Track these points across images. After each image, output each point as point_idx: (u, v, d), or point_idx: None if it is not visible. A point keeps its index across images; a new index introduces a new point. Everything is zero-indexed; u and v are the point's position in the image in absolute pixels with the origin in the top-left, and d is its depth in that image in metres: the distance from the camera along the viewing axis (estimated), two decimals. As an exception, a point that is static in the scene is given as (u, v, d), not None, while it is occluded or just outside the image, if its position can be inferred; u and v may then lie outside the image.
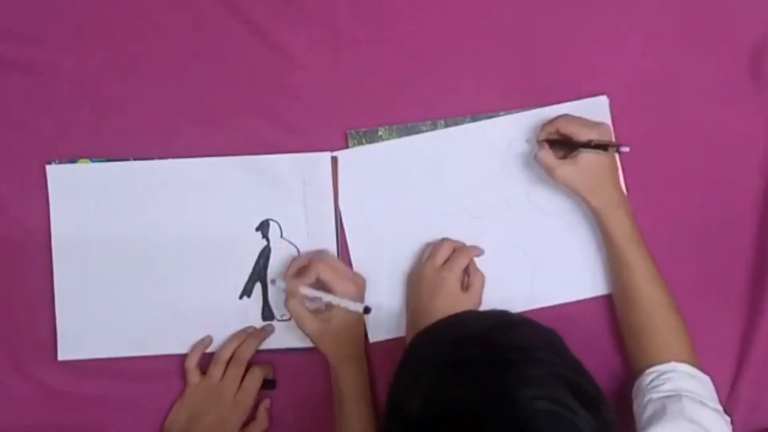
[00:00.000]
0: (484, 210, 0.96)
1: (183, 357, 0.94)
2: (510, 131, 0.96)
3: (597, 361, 0.92)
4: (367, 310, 0.90)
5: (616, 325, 0.96)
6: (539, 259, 0.96)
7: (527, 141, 0.96)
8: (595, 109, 0.95)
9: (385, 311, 0.96)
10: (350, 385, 0.90)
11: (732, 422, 0.94)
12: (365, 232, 0.96)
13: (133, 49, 0.96)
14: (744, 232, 0.97)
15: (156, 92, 0.96)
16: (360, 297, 0.92)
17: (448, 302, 0.89)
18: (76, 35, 0.96)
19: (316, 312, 0.91)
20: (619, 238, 0.88)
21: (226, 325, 0.96)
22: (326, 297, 0.90)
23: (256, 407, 0.94)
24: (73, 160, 0.95)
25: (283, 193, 0.95)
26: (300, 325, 0.90)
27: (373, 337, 0.96)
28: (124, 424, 0.96)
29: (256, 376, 0.93)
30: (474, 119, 0.96)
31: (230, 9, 0.96)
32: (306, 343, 0.94)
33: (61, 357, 0.95)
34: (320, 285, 0.91)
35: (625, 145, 0.88)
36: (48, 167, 0.95)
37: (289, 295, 0.89)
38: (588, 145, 0.88)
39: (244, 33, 0.96)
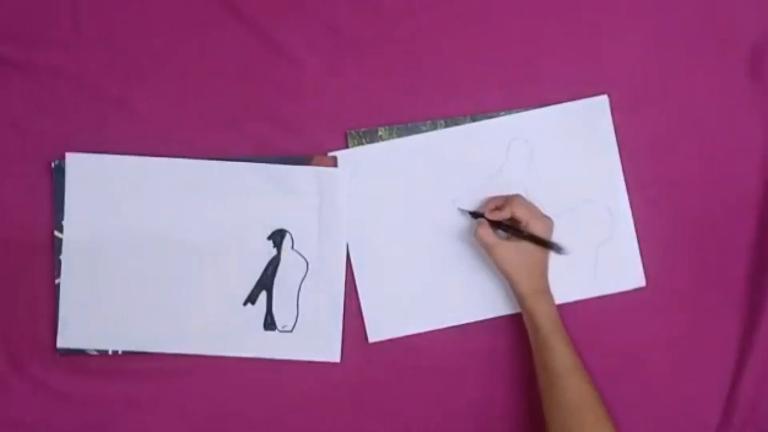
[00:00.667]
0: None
1: (184, 357, 0.95)
2: (510, 131, 0.96)
3: (594, 361, 0.93)
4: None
5: (615, 325, 0.96)
6: None
7: (527, 141, 0.96)
8: (596, 109, 0.96)
9: (385, 311, 0.96)
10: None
11: (732, 423, 0.95)
12: (365, 231, 0.96)
13: (133, 49, 0.96)
14: (744, 231, 0.97)
15: (156, 92, 0.96)
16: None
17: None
18: (76, 35, 0.96)
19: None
20: (544, 323, 0.88)
21: (226, 329, 0.96)
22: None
23: None
24: (73, 160, 0.95)
25: (300, 204, 0.95)
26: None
27: (373, 337, 0.96)
28: (124, 424, 0.96)
29: None
30: (474, 119, 0.96)
31: (230, 9, 0.96)
32: (308, 356, 0.95)
33: (60, 345, 0.95)
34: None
35: (565, 250, 0.89)
36: (68, 155, 0.94)
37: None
38: (532, 238, 0.89)
39: (245, 33, 0.96)
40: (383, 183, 0.96)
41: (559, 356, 0.87)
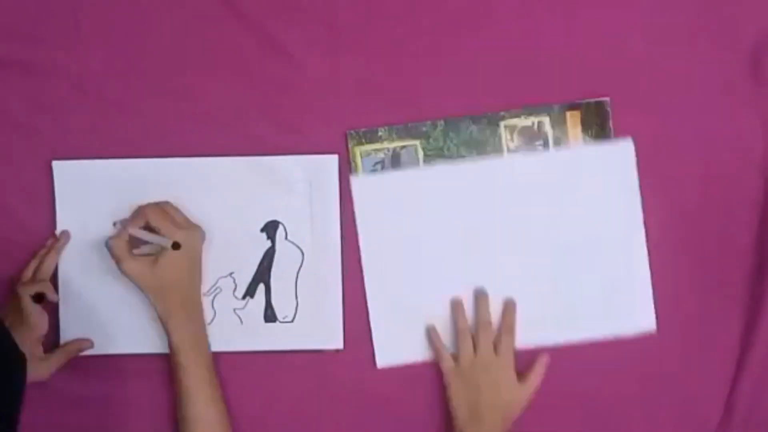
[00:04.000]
0: (502, 241, 0.96)
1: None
2: (518, 168, 0.95)
3: (594, 361, 0.93)
4: (175, 245, 0.87)
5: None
6: (558, 290, 0.96)
7: (546, 183, 0.95)
8: (620, 153, 0.95)
9: (396, 338, 0.96)
10: (183, 336, 0.89)
11: (732, 423, 0.95)
12: (380, 259, 0.95)
13: (133, 49, 0.96)
14: (744, 231, 0.96)
15: (156, 92, 0.96)
16: (190, 245, 0.90)
17: (509, 396, 0.91)
18: (76, 35, 0.96)
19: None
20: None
21: (227, 325, 0.96)
22: (138, 233, 0.89)
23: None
24: (73, 160, 0.95)
25: (290, 194, 0.95)
26: (119, 266, 0.88)
27: (382, 362, 0.96)
28: (124, 424, 0.96)
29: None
30: (473, 120, 0.95)
31: (230, 9, 0.96)
32: (311, 345, 0.95)
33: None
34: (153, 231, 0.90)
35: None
36: (54, 163, 0.95)
37: (114, 235, 0.89)
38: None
39: (244, 33, 0.96)
40: (400, 213, 0.95)
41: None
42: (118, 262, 0.89)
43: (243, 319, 0.96)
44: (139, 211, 0.91)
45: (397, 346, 0.96)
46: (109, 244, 0.89)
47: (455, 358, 0.93)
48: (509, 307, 0.94)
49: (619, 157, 0.95)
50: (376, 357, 0.96)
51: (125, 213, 0.94)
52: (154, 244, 0.90)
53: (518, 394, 0.92)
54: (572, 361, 0.95)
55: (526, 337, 0.94)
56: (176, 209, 0.93)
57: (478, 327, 0.93)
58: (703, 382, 0.96)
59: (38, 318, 0.90)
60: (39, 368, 0.90)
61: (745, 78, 0.96)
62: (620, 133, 0.95)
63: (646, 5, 0.96)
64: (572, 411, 0.94)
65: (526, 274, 0.96)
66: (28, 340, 0.90)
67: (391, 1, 0.96)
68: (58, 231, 0.95)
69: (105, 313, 0.96)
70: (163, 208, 0.92)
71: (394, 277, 0.96)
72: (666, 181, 0.96)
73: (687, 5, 0.96)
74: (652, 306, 0.95)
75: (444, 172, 0.96)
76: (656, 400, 0.96)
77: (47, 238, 0.95)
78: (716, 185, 0.96)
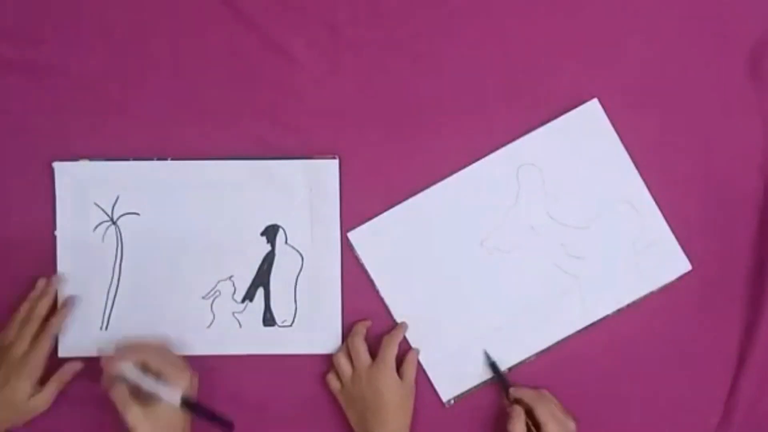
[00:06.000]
0: (513, 242, 0.96)
1: (186, 357, 0.94)
2: (514, 159, 0.95)
3: (594, 361, 0.93)
4: (186, 403, 0.85)
5: (614, 325, 0.96)
6: (581, 273, 0.96)
7: (534, 164, 0.95)
8: (590, 114, 0.95)
9: (448, 368, 0.96)
10: None
11: (732, 423, 0.95)
12: (403, 293, 0.96)
13: (133, 49, 0.96)
14: (744, 232, 0.97)
15: (156, 92, 0.96)
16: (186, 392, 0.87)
17: (395, 402, 0.90)
18: (76, 35, 0.96)
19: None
20: None
21: (226, 328, 0.96)
22: (146, 382, 0.86)
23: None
24: (73, 160, 0.95)
25: (290, 198, 0.95)
26: (125, 416, 0.84)
27: (446, 396, 0.96)
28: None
29: (47, 334, 0.90)
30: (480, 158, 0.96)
31: (231, 9, 0.96)
32: (310, 349, 0.95)
33: (61, 354, 0.95)
34: (145, 370, 0.87)
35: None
36: (54, 163, 0.95)
37: (111, 377, 0.86)
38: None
39: (244, 33, 0.96)
40: (408, 245, 0.95)
41: None
42: (124, 411, 0.84)
43: (242, 323, 0.96)
44: (136, 348, 0.89)
45: (453, 376, 0.96)
46: (114, 393, 0.85)
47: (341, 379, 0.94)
48: (398, 326, 0.95)
49: (590, 118, 0.95)
50: (439, 393, 0.96)
51: (127, 214, 0.95)
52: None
53: (403, 390, 0.92)
54: (572, 362, 0.96)
55: (580, 319, 0.95)
56: (166, 348, 0.91)
57: (350, 342, 0.93)
58: (703, 382, 0.96)
59: (38, 362, 0.89)
60: (36, 402, 0.89)
61: (745, 78, 0.96)
62: (621, 133, 0.95)
63: (645, 5, 0.96)
64: (572, 411, 0.94)
65: (548, 266, 0.96)
66: (27, 381, 0.88)
67: (391, 2, 0.96)
68: (58, 231, 0.95)
69: (105, 317, 0.95)
70: (163, 350, 0.90)
71: (422, 311, 0.96)
72: (666, 181, 0.96)
73: (686, 5, 0.96)
74: (680, 248, 0.95)
75: (430, 195, 0.95)
76: (656, 400, 0.96)
77: (47, 238, 0.95)
78: (716, 185, 0.96)
